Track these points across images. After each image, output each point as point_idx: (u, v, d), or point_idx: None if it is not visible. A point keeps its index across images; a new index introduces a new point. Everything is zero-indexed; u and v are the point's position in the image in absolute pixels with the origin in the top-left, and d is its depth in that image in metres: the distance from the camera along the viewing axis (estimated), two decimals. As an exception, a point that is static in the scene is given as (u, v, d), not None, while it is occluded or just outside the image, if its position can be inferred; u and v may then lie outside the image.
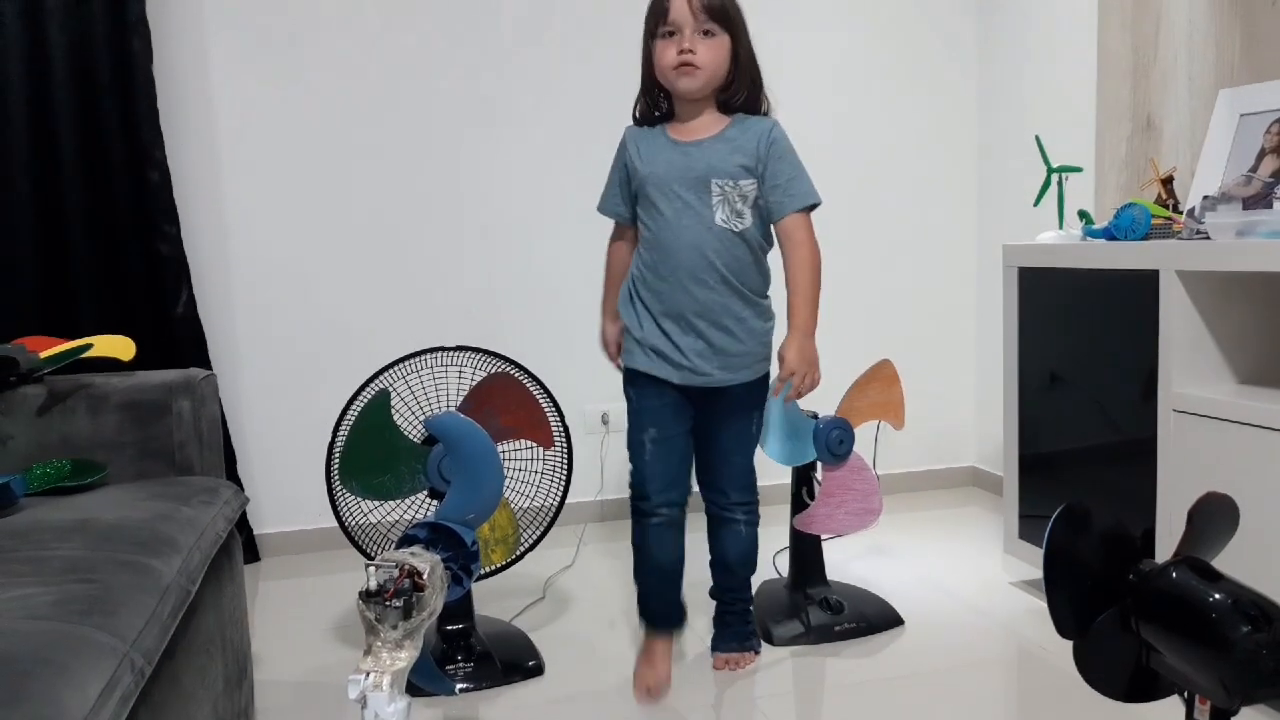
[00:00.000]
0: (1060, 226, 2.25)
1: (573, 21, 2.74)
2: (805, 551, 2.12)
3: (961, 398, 3.17)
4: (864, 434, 2.11)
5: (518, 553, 2.00)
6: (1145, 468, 1.85)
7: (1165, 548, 1.20)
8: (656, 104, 1.78)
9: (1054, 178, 2.28)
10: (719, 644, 1.94)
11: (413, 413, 1.91)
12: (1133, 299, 1.87)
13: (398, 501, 1.90)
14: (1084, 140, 2.58)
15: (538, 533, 2.04)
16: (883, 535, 2.60)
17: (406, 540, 1.44)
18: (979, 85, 3.08)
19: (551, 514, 2.05)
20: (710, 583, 1.96)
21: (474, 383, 1.93)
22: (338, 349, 2.64)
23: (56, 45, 2.31)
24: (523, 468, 2.01)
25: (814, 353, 1.72)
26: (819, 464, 2.05)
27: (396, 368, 1.93)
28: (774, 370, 1.78)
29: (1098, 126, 2.54)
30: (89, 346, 1.67)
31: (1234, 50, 2.16)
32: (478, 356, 1.97)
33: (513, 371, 1.97)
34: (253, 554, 2.61)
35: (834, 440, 2.01)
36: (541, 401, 1.96)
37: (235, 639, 1.59)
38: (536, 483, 2.03)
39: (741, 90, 1.73)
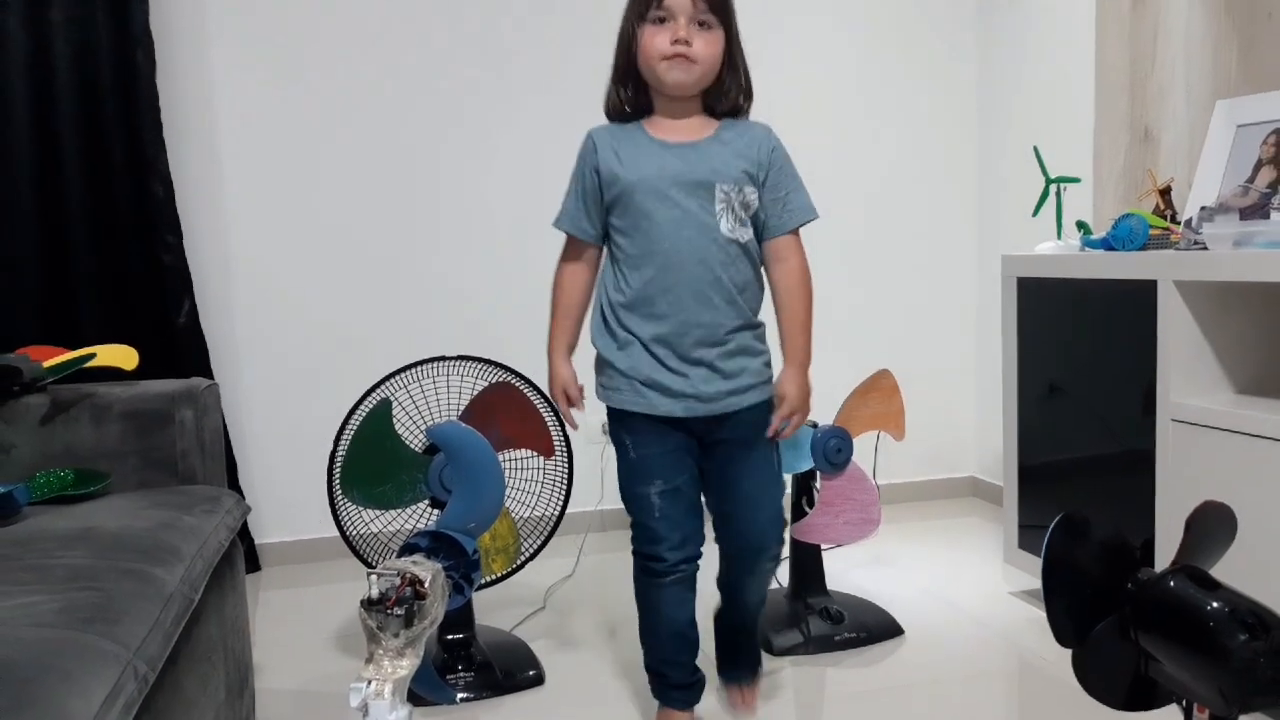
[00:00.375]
0: (1059, 237, 2.25)
1: (576, 26, 2.74)
2: (805, 561, 2.12)
3: (961, 408, 3.18)
4: (864, 444, 2.11)
5: (518, 562, 2.01)
6: (1144, 477, 1.86)
7: (1164, 557, 1.21)
8: (630, 97, 1.56)
9: (1052, 188, 2.29)
10: (731, 672, 1.77)
11: (414, 422, 1.92)
12: (1131, 309, 1.88)
13: (398, 511, 1.90)
14: (1082, 151, 2.59)
15: (538, 542, 2.05)
16: (883, 545, 2.61)
17: (408, 549, 1.44)
18: (978, 97, 3.09)
19: (552, 523, 2.05)
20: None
21: (475, 392, 1.94)
22: (339, 359, 2.65)
23: (60, 56, 2.32)
24: (523, 477, 2.01)
25: (810, 386, 1.58)
26: (818, 473, 2.05)
27: (398, 377, 1.94)
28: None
29: (1096, 137, 2.55)
30: (92, 356, 1.68)
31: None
32: (479, 366, 1.98)
33: (514, 381, 1.98)
34: (253, 563, 2.61)
35: (831, 449, 2.02)
36: (542, 411, 1.97)
37: (237, 647, 1.59)
38: (537, 492, 2.04)
39: (733, 92, 1.55)
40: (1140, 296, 1.85)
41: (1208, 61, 2.22)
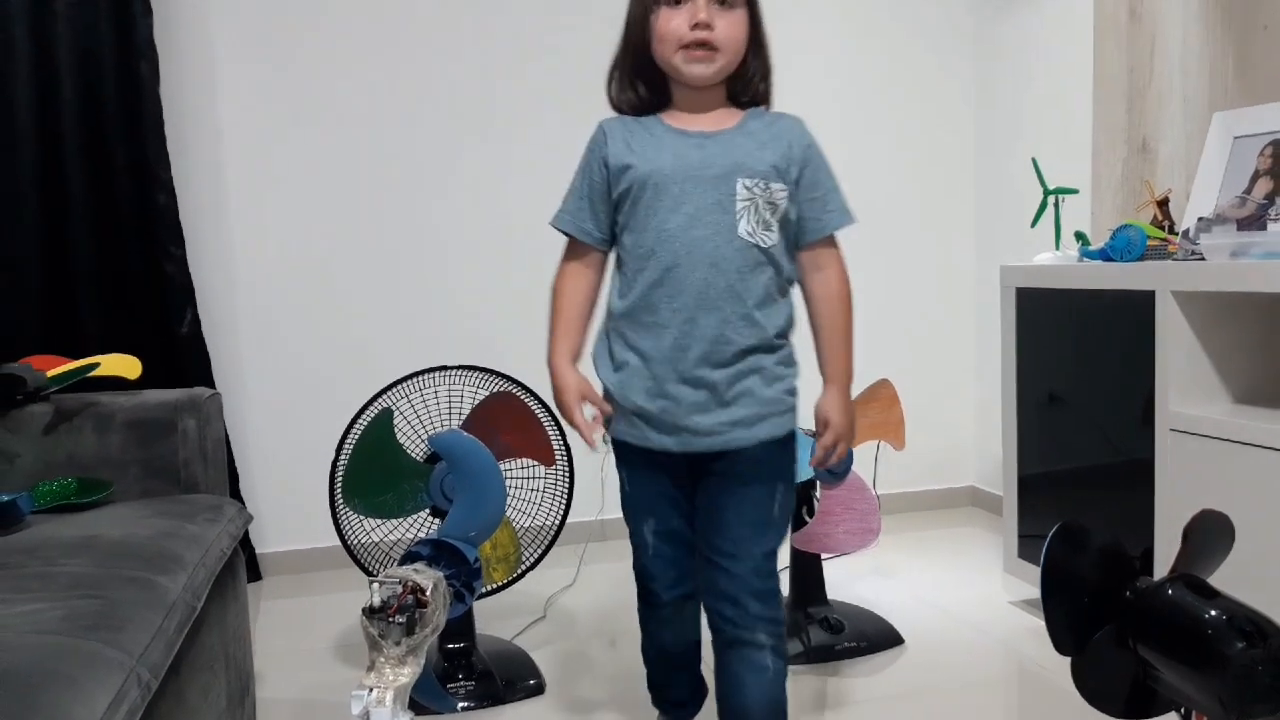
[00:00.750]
0: (1057, 248, 2.27)
1: (584, 33, 2.76)
2: (805, 571, 2.13)
3: (961, 418, 3.19)
4: (864, 454, 2.12)
5: (519, 571, 2.01)
6: (1143, 487, 1.86)
7: (1164, 566, 1.21)
8: (645, 94, 1.39)
9: (1051, 199, 2.30)
10: None
11: (415, 431, 1.93)
12: (1129, 319, 1.89)
13: (400, 520, 1.91)
14: (1080, 163, 2.60)
15: (539, 551, 2.05)
16: (883, 555, 2.61)
17: (409, 557, 1.45)
18: (976, 109, 3.11)
19: (552, 533, 2.06)
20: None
21: (476, 402, 1.95)
22: (341, 368, 2.65)
23: (64, 68, 2.34)
24: (524, 486, 2.02)
25: (854, 410, 1.40)
26: (818, 482, 2.06)
27: (399, 387, 1.94)
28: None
29: (1094, 149, 2.56)
30: (96, 365, 1.68)
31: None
32: (480, 376, 1.99)
33: (514, 390, 1.98)
34: (255, 572, 2.61)
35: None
36: (543, 420, 1.98)
37: (238, 656, 1.60)
38: (538, 501, 2.04)
39: (757, 79, 1.38)
40: (1138, 307, 1.85)
41: (1204, 73, 2.23)
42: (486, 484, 1.63)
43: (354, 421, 1.90)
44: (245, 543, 2.52)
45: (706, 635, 1.50)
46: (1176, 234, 2.06)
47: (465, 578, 1.50)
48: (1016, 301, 2.22)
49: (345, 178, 2.67)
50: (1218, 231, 1.82)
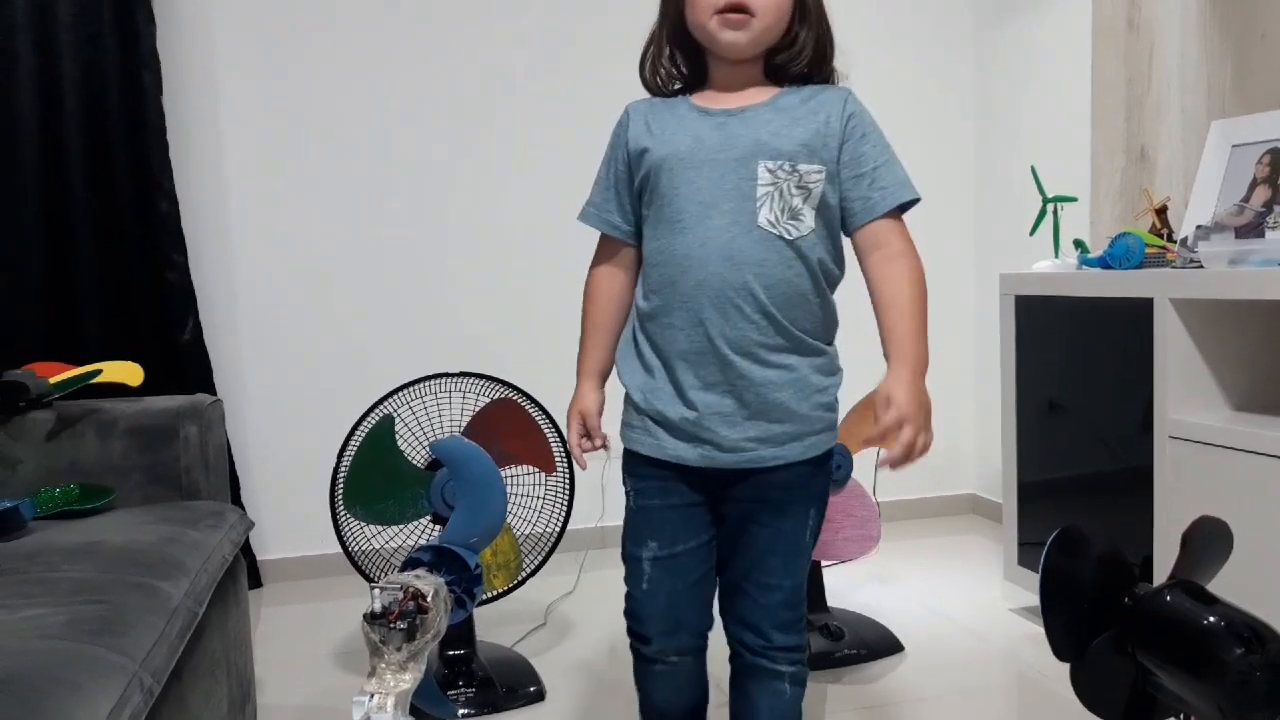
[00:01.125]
0: (1056, 255, 2.27)
1: (590, 41, 2.77)
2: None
3: (961, 425, 3.19)
4: (864, 461, 2.12)
5: (520, 578, 2.01)
6: (1143, 494, 1.87)
7: (1163, 573, 1.22)
8: (679, 66, 1.26)
9: (1049, 207, 2.31)
10: None
11: (416, 438, 1.93)
12: (1128, 327, 1.89)
13: (400, 526, 1.91)
14: (1079, 171, 2.61)
15: (539, 558, 2.05)
16: (883, 562, 2.61)
17: (410, 563, 1.45)
18: (976, 117, 3.12)
19: (553, 540, 2.06)
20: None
21: (477, 408, 1.95)
22: (342, 375, 2.66)
23: (68, 78, 2.35)
24: (525, 493, 2.02)
25: (929, 400, 1.17)
26: (819, 490, 2.06)
27: (401, 394, 1.95)
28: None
29: (1092, 157, 2.57)
30: (98, 372, 1.69)
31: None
32: (481, 382, 1.99)
33: (515, 397, 1.99)
34: (255, 580, 2.61)
35: (832, 465, 2.02)
36: (544, 427, 1.98)
37: (239, 662, 1.60)
38: (538, 508, 2.04)
39: (805, 51, 1.22)
40: (1137, 314, 1.86)
41: (1203, 82, 2.24)
42: (487, 491, 1.64)
43: (355, 428, 1.90)
44: (246, 549, 2.52)
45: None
46: (1175, 242, 2.07)
47: (466, 584, 1.50)
48: (1015, 309, 2.23)
49: (346, 185, 2.68)
50: (1216, 239, 1.83)
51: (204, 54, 2.57)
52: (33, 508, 1.48)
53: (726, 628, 1.29)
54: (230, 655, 1.54)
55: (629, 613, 1.30)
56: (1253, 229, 1.87)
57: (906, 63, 3.06)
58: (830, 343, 1.26)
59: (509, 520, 1.93)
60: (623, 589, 1.31)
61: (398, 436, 1.88)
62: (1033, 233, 2.37)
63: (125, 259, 2.44)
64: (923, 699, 1.89)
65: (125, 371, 1.74)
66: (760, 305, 1.17)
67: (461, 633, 1.90)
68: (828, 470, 1.29)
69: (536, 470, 2.00)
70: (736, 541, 1.26)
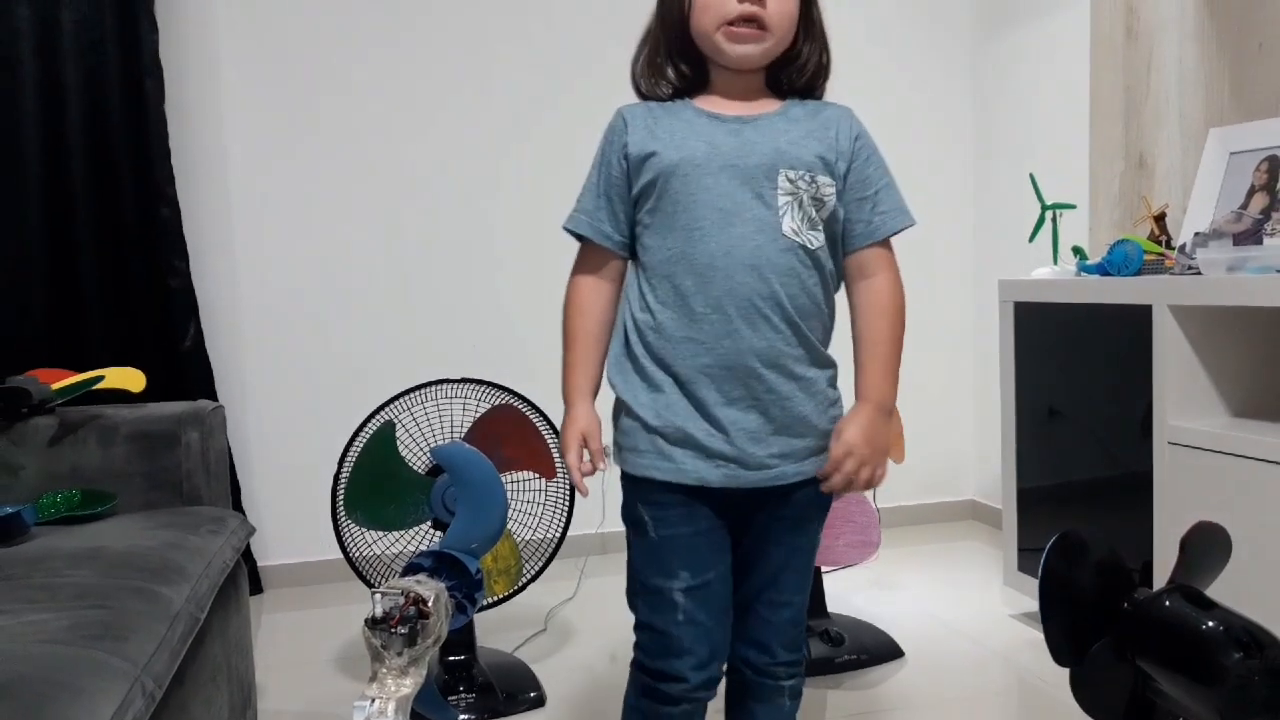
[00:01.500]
0: (1055, 262, 2.28)
1: (593, 50, 2.78)
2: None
3: (960, 431, 3.19)
4: (863, 466, 2.12)
5: (520, 584, 2.01)
6: (1142, 500, 1.87)
7: (1163, 579, 1.22)
8: (686, 75, 1.22)
9: (1048, 214, 2.32)
10: None
11: (417, 444, 1.94)
12: (1127, 333, 1.90)
13: (401, 532, 1.92)
14: (1078, 178, 2.62)
15: (540, 564, 2.05)
16: (883, 568, 2.61)
17: (411, 569, 1.46)
18: (975, 125, 3.13)
19: (554, 545, 2.06)
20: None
21: (478, 414, 1.96)
22: (343, 382, 2.66)
23: (71, 85, 2.36)
24: (525, 499, 2.03)
25: (886, 440, 1.17)
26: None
27: (401, 400, 1.95)
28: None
29: (1091, 164, 2.58)
30: (100, 378, 1.70)
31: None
32: (481, 388, 2.00)
33: (516, 403, 1.99)
34: (256, 586, 2.61)
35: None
36: (544, 433, 1.99)
37: (240, 667, 1.60)
38: (539, 514, 2.05)
39: (809, 66, 1.21)
40: (1136, 321, 1.87)
41: (1200, 90, 2.25)
42: (488, 496, 1.64)
43: (356, 434, 1.90)
44: (247, 555, 2.53)
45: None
46: (1173, 249, 2.07)
47: (467, 589, 1.50)
48: (1015, 315, 2.24)
49: (348, 192, 2.69)
50: (1214, 246, 1.84)
51: (207, 61, 2.58)
52: (35, 513, 1.49)
53: (736, 648, 1.25)
54: (231, 660, 1.54)
55: (655, 651, 1.20)
56: (1251, 236, 1.88)
57: (905, 70, 3.07)
58: (829, 353, 1.25)
59: (510, 526, 1.94)
60: (623, 597, 1.25)
61: (399, 442, 1.88)
62: (1031, 239, 2.37)
63: (127, 265, 2.45)
64: (922, 705, 1.89)
65: (127, 377, 1.74)
66: (786, 315, 1.14)
67: (462, 638, 1.91)
68: None
69: (537, 476, 2.00)
70: (751, 560, 1.22)
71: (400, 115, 2.71)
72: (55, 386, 1.67)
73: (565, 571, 2.58)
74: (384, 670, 1.23)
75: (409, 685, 1.23)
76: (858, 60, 3.03)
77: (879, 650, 2.08)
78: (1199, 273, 1.81)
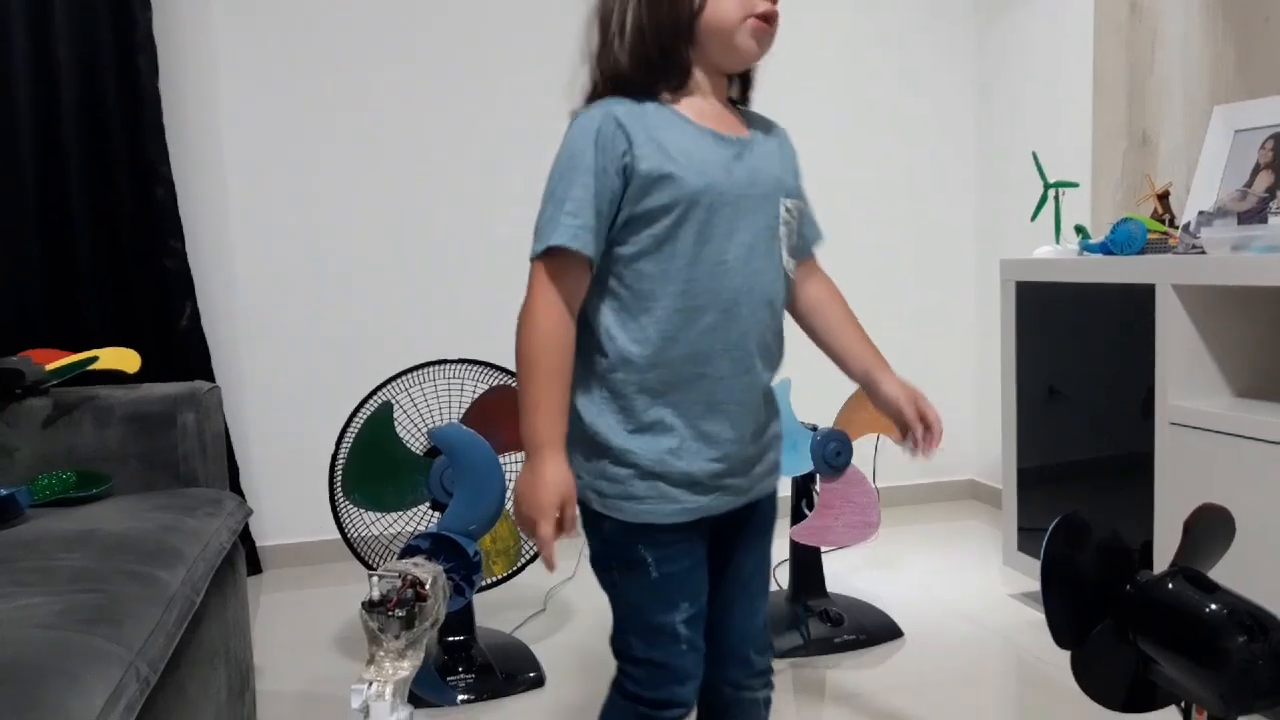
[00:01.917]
0: (1057, 241, 2.26)
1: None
2: (805, 563, 2.13)
3: (960, 411, 3.18)
4: (863, 447, 2.12)
5: (519, 564, 2.01)
6: (1143, 480, 1.86)
7: (1163, 560, 1.21)
8: (667, 73, 1.09)
9: (1051, 193, 2.30)
10: None
11: (415, 425, 1.93)
12: (1129, 313, 1.89)
13: (399, 513, 1.91)
14: (1080, 156, 2.60)
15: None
16: (882, 548, 2.61)
17: (409, 551, 1.45)
18: (977, 103, 3.10)
19: (552, 526, 2.05)
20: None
21: (477, 395, 1.95)
22: (340, 362, 2.65)
23: (63, 63, 2.33)
24: (524, 480, 2.02)
25: None
26: (817, 476, 2.06)
27: (399, 380, 1.94)
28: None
29: (1094, 143, 2.56)
30: (95, 359, 1.68)
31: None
32: (480, 369, 1.98)
33: (515, 385, 1.98)
34: (255, 566, 2.61)
35: (831, 452, 2.02)
36: (543, 414, 1.97)
37: (238, 649, 1.60)
38: (538, 495, 2.04)
39: (755, 72, 1.19)
40: (1138, 300, 1.85)
41: (1205, 67, 2.23)
42: (486, 478, 1.64)
43: (354, 415, 1.89)
44: (245, 536, 2.52)
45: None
46: (1177, 227, 2.06)
47: (465, 571, 1.50)
48: (1017, 295, 2.22)
49: (345, 171, 2.66)
50: (1218, 225, 1.82)
51: (201, 38, 2.55)
52: (29, 495, 1.48)
53: (715, 666, 1.20)
54: (229, 642, 1.54)
55: (657, 682, 1.15)
56: (1255, 214, 1.86)
57: (908, 48, 3.04)
58: None
59: (508, 507, 1.93)
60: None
61: (397, 423, 1.87)
62: (1034, 218, 2.36)
63: (122, 245, 2.43)
64: (922, 684, 1.89)
65: (122, 358, 1.73)
66: (781, 347, 1.15)
67: (461, 619, 1.90)
68: None
69: (535, 457, 1.99)
70: (724, 571, 1.18)
71: (399, 92, 2.68)
72: (49, 367, 1.66)
73: (564, 551, 2.56)
74: (382, 653, 1.23)
75: (407, 668, 1.22)
76: (859, 40, 3.01)
77: (878, 630, 2.08)
78: (1203, 252, 1.80)
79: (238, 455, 2.61)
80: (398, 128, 2.69)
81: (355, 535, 1.95)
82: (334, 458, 1.89)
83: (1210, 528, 1.22)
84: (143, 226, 2.44)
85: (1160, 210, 2.16)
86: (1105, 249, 2.02)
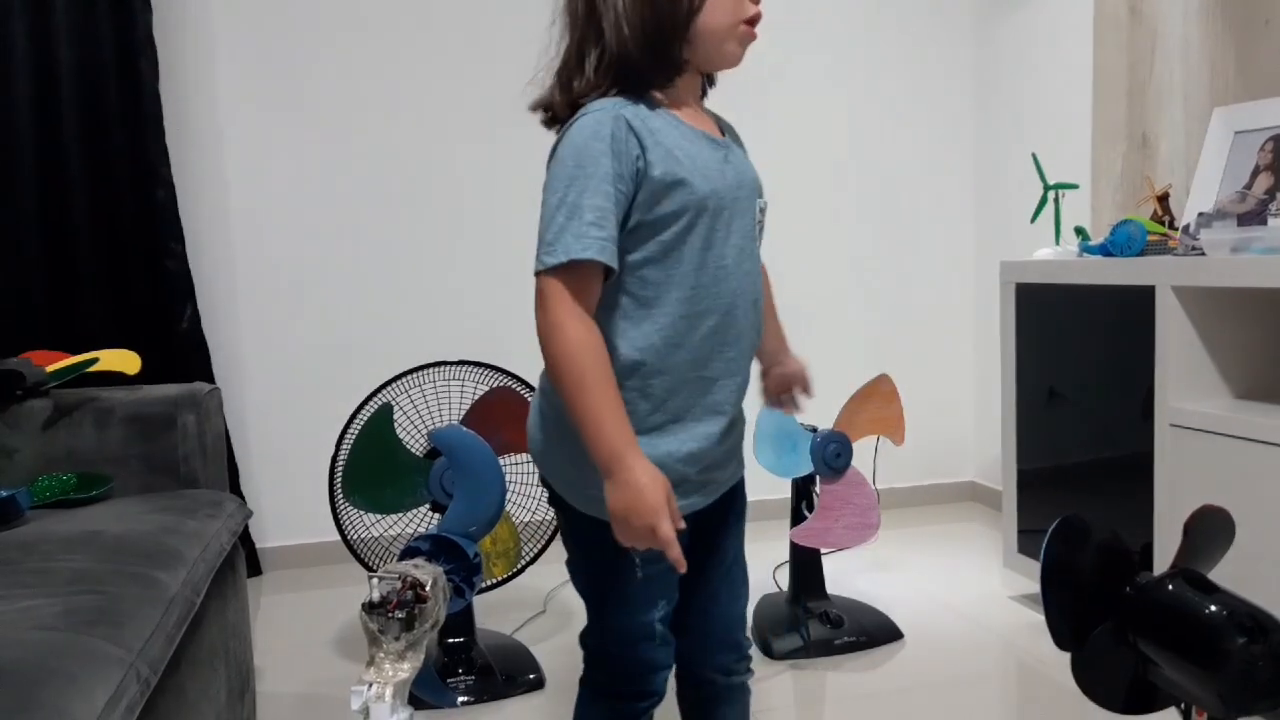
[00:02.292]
0: (1057, 243, 2.26)
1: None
2: (805, 565, 2.13)
3: (960, 412, 3.19)
4: (863, 449, 2.12)
5: (519, 566, 2.01)
6: (1143, 482, 1.86)
7: (1164, 561, 1.21)
8: (669, 74, 1.08)
9: (1051, 195, 2.30)
10: None
11: (415, 427, 1.93)
12: (1129, 315, 1.89)
13: (399, 515, 1.91)
14: (1080, 158, 2.60)
15: (539, 546, 2.05)
16: (882, 549, 2.61)
17: (409, 552, 1.45)
18: (977, 104, 3.10)
19: (552, 527, 2.06)
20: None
21: (476, 397, 1.95)
22: (341, 364, 2.65)
23: (64, 65, 2.33)
24: (524, 481, 2.02)
25: None
26: (818, 478, 2.06)
27: (399, 382, 1.94)
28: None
29: (1094, 144, 2.56)
30: (95, 361, 1.68)
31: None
32: (480, 371, 1.98)
33: (515, 386, 1.98)
34: (255, 568, 2.61)
35: (830, 454, 2.02)
36: (543, 416, 1.97)
37: (238, 651, 1.60)
38: (537, 496, 2.04)
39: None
40: (1138, 302, 1.85)
41: (1205, 69, 2.23)
42: (486, 479, 1.64)
43: (354, 416, 1.89)
44: (245, 538, 2.52)
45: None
46: (1176, 229, 2.06)
47: (465, 573, 1.50)
48: (1016, 297, 2.22)
49: (345, 173, 2.67)
50: (1218, 227, 1.82)
51: (201, 39, 2.55)
52: (30, 497, 1.48)
53: (702, 663, 1.22)
54: (229, 644, 1.54)
55: (631, 677, 1.19)
56: (1255, 216, 1.86)
57: (907, 48, 3.04)
58: None
59: (508, 508, 1.93)
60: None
61: (396, 425, 1.87)
62: (1034, 220, 2.36)
63: (122, 247, 2.43)
64: (922, 686, 1.89)
65: (122, 360, 1.73)
66: (759, 345, 1.18)
67: (461, 621, 1.90)
68: None
69: (535, 458, 1.99)
70: (705, 559, 1.19)
71: (398, 94, 2.68)
72: (50, 369, 1.66)
73: (564, 553, 2.57)
74: (381, 655, 1.22)
75: (407, 669, 1.22)
76: (859, 39, 3.01)
77: (878, 632, 2.08)
78: (1202, 253, 1.80)
79: (238, 457, 2.61)
80: (400, 129, 2.69)
81: (355, 537, 1.95)
82: (334, 459, 1.89)
83: (1210, 529, 1.22)
84: (143, 228, 2.44)
85: (1160, 212, 2.16)
86: (1105, 250, 2.02)
